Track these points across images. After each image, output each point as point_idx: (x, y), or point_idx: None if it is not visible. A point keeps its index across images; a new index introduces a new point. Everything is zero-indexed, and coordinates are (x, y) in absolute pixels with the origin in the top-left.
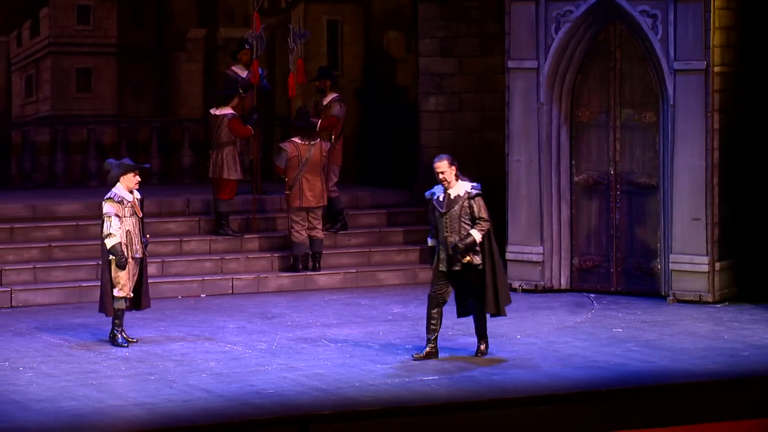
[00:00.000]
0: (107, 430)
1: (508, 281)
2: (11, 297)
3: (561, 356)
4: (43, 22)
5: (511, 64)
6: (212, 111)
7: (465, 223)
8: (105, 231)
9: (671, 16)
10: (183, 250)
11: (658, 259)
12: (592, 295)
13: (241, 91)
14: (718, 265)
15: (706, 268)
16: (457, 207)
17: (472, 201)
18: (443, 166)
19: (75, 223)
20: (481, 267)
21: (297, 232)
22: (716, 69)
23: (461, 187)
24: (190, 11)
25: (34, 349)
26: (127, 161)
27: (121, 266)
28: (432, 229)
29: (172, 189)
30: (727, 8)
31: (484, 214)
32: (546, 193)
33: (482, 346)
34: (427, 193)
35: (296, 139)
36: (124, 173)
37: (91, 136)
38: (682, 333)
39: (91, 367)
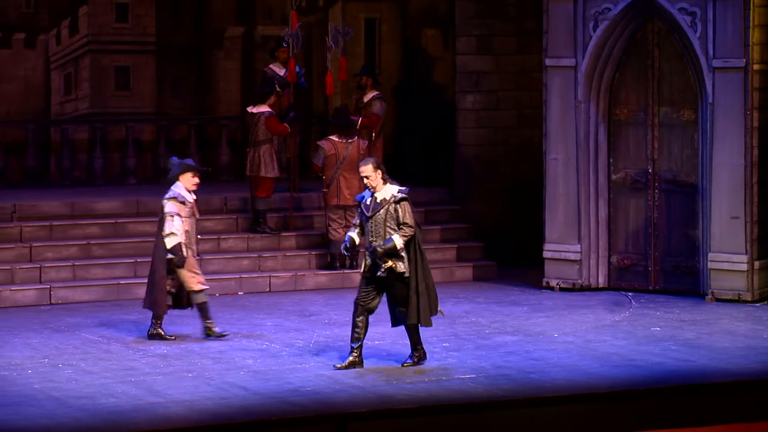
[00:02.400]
0: (145, 427)
1: (545, 279)
2: (50, 294)
3: (599, 355)
4: (82, 21)
5: (548, 62)
6: (249, 109)
7: (390, 228)
8: (166, 230)
9: (710, 14)
10: (221, 247)
11: (697, 258)
12: (630, 294)
13: (278, 89)
14: (757, 263)
15: (745, 266)
16: (382, 211)
17: (398, 205)
18: (368, 170)
19: (113, 221)
20: (407, 275)
21: (334, 230)
22: (756, 67)
23: (388, 191)
24: (228, 9)
25: (73, 346)
26: (188, 161)
27: (181, 265)
28: (352, 229)
29: (209, 187)
30: (767, 5)
31: (408, 220)
32: (584, 191)
33: (415, 357)
34: (358, 197)
35: (334, 137)
36: (183, 173)
37: (129, 133)
38: (720, 332)
39: (129, 364)
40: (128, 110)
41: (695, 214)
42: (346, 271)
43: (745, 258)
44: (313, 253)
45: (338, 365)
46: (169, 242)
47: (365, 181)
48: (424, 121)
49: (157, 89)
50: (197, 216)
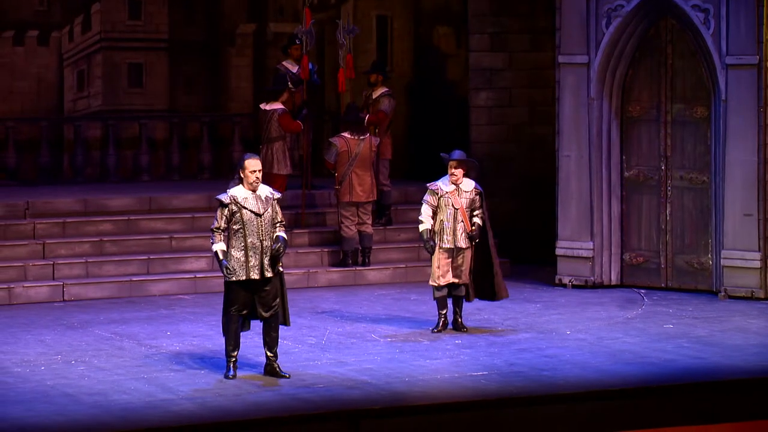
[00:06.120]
0: (158, 424)
1: (557, 276)
2: (63, 291)
3: (611, 352)
4: (95, 18)
5: (561, 59)
6: (262, 106)
7: (272, 227)
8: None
9: (723, 11)
10: None
11: (710, 255)
12: (642, 291)
13: (291, 86)
14: None
15: (758, 264)
16: (270, 210)
17: (275, 203)
18: (259, 165)
19: (126, 218)
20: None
21: (346, 227)
22: None
23: (265, 189)
24: (240, 6)
25: (86, 343)
26: (453, 154)
27: (430, 251)
28: (219, 234)
29: (222, 184)
30: None
31: (283, 218)
32: (596, 188)
33: (275, 364)
34: (223, 197)
35: (346, 134)
36: (446, 164)
37: (142, 131)
38: (733, 329)
39: (142, 360)
40: (141, 107)
41: (708, 211)
42: (358, 268)
43: (758, 255)
44: (326, 250)
45: (229, 375)
46: (419, 228)
47: (255, 174)
48: (436, 118)
49: (170, 86)
50: (456, 206)
